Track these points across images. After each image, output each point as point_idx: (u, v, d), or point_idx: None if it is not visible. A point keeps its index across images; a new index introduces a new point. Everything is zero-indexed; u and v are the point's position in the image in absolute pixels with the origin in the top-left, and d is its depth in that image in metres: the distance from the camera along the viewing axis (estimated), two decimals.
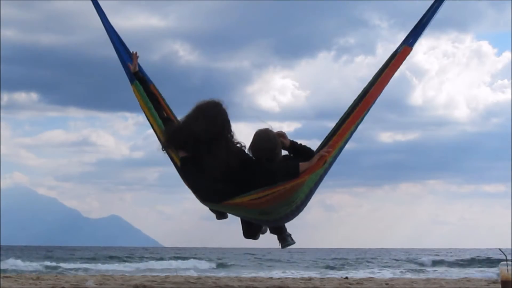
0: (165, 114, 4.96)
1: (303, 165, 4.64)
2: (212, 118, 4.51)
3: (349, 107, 5.08)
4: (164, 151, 4.79)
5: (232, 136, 4.63)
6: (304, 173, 4.63)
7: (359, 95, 5.13)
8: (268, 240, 5.28)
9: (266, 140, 4.60)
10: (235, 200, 4.58)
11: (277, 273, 16.69)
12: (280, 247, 5.22)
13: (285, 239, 5.15)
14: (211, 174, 4.49)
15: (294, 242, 5.19)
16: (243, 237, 5.29)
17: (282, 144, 4.75)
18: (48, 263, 25.60)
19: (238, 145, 4.65)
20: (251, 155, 4.64)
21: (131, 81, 5.15)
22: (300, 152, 4.78)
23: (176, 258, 32.68)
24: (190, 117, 4.58)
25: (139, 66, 5.19)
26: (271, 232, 5.22)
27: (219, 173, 4.48)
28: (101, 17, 5.19)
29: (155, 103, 4.97)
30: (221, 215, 5.15)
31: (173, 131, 4.64)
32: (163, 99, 5.18)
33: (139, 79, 5.04)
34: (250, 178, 4.55)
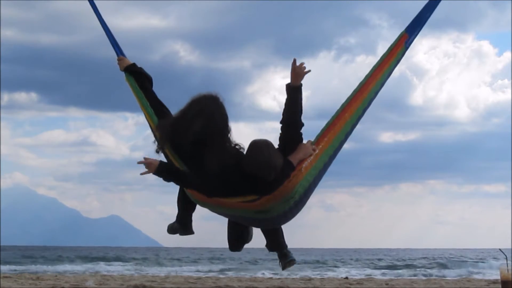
0: (159, 106, 4.64)
1: (294, 158, 4.34)
2: (210, 114, 4.23)
3: (345, 100, 4.81)
4: (160, 151, 4.43)
5: (229, 133, 4.32)
6: (299, 165, 4.36)
7: (356, 87, 4.89)
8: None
9: (261, 159, 4.16)
10: (227, 199, 4.33)
11: (277, 273, 16.67)
12: (281, 267, 4.88)
13: (286, 255, 4.85)
14: (204, 170, 4.23)
15: (295, 260, 4.88)
16: (229, 250, 5.07)
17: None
18: (48, 263, 25.57)
19: (236, 146, 4.37)
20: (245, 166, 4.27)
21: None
22: (289, 146, 4.41)
23: (176, 258, 32.66)
24: (186, 113, 4.28)
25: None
26: (270, 249, 4.94)
27: (213, 170, 4.21)
28: (97, 15, 5.12)
29: (148, 94, 4.67)
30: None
31: (169, 130, 4.33)
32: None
33: (132, 73, 4.76)
34: (244, 184, 4.27)
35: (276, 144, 4.46)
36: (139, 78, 4.76)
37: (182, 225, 4.92)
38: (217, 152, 4.23)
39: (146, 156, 4.24)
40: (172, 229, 4.96)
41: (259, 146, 4.26)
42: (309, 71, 4.42)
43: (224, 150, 4.26)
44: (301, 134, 4.47)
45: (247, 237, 5.07)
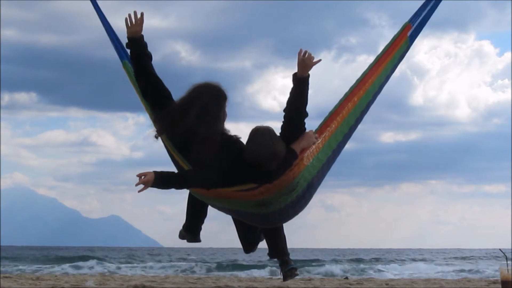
0: (158, 93, 4.45)
1: (297, 147, 4.26)
2: (204, 103, 4.17)
3: (348, 90, 4.76)
4: (158, 137, 4.38)
5: (222, 121, 4.26)
6: (301, 153, 4.30)
7: (360, 76, 4.84)
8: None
9: (264, 147, 4.09)
10: (225, 189, 4.23)
11: (277, 273, 16.65)
12: (281, 278, 4.74)
13: (287, 263, 4.74)
14: (201, 162, 4.16)
15: (296, 269, 4.78)
16: (244, 253, 5.03)
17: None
18: (47, 263, 25.55)
19: (234, 136, 4.30)
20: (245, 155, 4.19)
21: (121, 58, 4.79)
22: (292, 135, 4.33)
23: (176, 258, 32.62)
24: (181, 103, 4.24)
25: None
26: (271, 256, 4.86)
27: (209, 161, 4.13)
28: (99, 15, 5.09)
29: (146, 83, 4.45)
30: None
31: (165, 120, 4.27)
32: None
33: (135, 52, 4.44)
34: (244, 173, 4.18)
35: (278, 131, 4.33)
36: (141, 60, 4.42)
37: (189, 234, 4.94)
38: (210, 141, 4.13)
39: (140, 172, 3.96)
40: (181, 235, 5.02)
41: (261, 133, 4.15)
42: (319, 60, 4.27)
43: (217, 139, 4.15)
44: (304, 124, 4.37)
45: (259, 237, 4.96)
